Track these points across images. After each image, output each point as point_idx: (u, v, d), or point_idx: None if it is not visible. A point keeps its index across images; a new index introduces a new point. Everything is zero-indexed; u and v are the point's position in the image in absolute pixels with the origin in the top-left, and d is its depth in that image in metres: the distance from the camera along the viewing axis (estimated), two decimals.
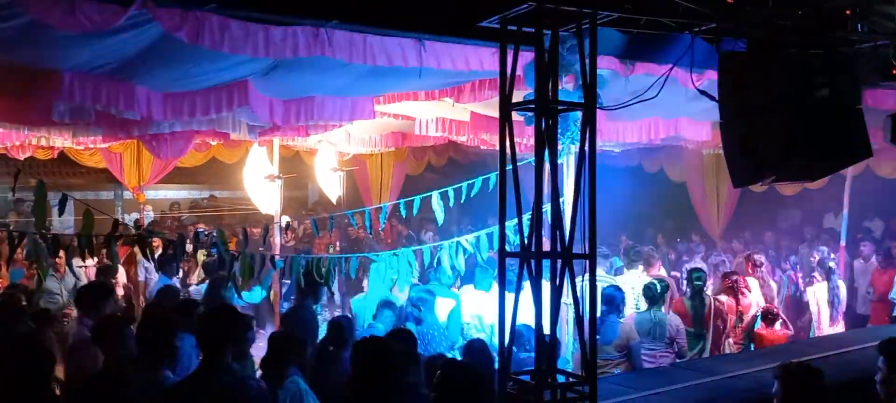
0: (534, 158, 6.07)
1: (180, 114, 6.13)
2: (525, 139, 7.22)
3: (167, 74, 5.68)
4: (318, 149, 10.48)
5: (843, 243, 10.63)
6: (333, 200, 10.88)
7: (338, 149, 10.54)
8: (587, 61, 3.65)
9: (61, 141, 8.59)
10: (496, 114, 7.69)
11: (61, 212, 4.35)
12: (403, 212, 7.23)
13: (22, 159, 9.41)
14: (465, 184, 7.00)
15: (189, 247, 6.71)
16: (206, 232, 8.11)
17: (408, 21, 5.32)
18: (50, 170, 13.18)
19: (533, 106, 3.70)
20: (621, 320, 6.47)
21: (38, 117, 6.46)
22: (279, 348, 4.49)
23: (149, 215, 13.09)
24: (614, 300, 6.43)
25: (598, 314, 6.31)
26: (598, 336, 6.07)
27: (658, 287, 6.95)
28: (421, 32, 5.51)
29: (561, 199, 3.90)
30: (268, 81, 6.07)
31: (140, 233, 4.53)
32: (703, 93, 4.13)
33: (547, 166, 3.80)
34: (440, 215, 6.90)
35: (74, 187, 13.52)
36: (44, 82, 5.52)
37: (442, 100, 7.43)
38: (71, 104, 5.68)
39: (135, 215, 12.87)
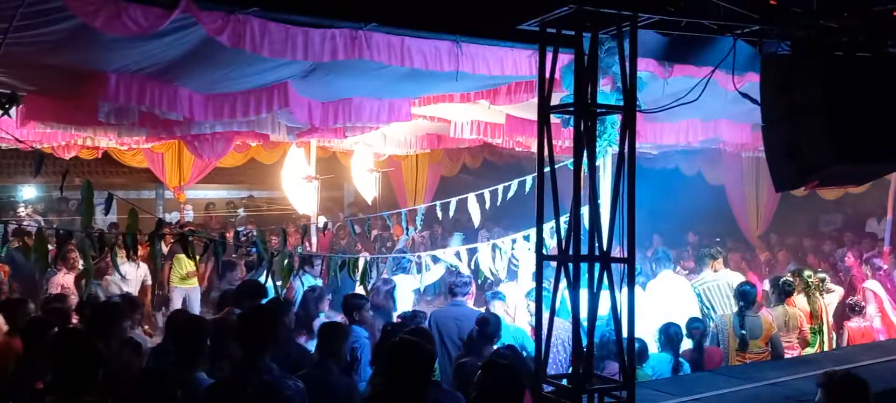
0: (570, 160, 6.06)
1: (221, 115, 6.24)
2: (561, 141, 7.19)
3: (209, 76, 5.78)
4: (354, 150, 10.57)
5: (887, 248, 10.38)
6: (369, 201, 10.95)
7: (374, 151, 10.62)
8: (627, 64, 3.62)
9: (106, 141, 8.79)
10: (532, 116, 7.76)
11: (107, 212, 4.46)
12: (439, 214, 7.25)
13: (67, 158, 9.64)
14: (501, 187, 6.99)
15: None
16: (246, 232, 8.24)
17: (445, 23, 5.33)
18: (94, 169, 13.50)
19: (572, 109, 3.65)
20: (759, 314, 6.79)
21: (85, 117, 6.61)
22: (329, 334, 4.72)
23: (189, 214, 13.34)
24: (748, 296, 6.71)
25: (733, 310, 6.80)
26: (744, 331, 6.41)
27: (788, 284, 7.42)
28: (458, 35, 5.53)
29: (598, 202, 3.87)
30: (307, 83, 6.14)
31: (182, 232, 4.61)
32: (744, 95, 4.06)
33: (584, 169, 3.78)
34: (476, 217, 6.90)
35: (117, 186, 13.82)
36: (90, 84, 5.67)
37: (477, 103, 7.44)
38: (116, 105, 5.80)
39: (176, 214, 13.12)
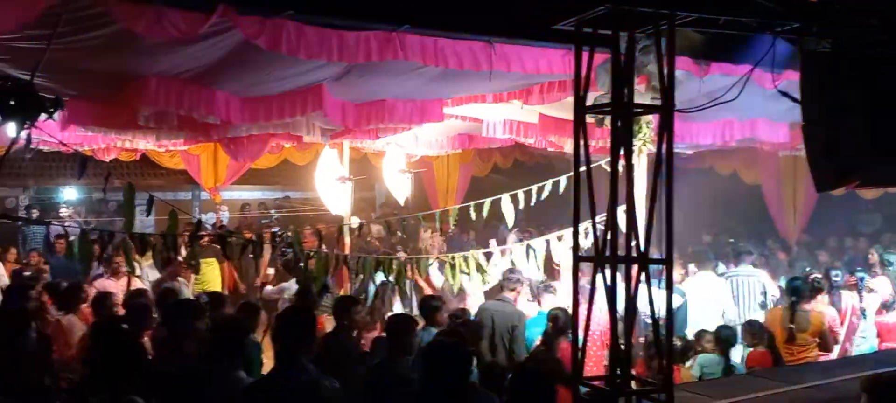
0: (604, 160, 6.01)
1: (257, 117, 6.32)
2: (594, 141, 7.14)
3: (246, 79, 5.86)
4: (385, 150, 10.61)
5: None
6: (401, 202, 10.98)
7: (405, 151, 10.65)
8: (664, 63, 3.58)
9: (144, 143, 8.93)
10: (565, 115, 7.73)
11: (148, 213, 4.55)
12: (473, 215, 7.25)
13: (107, 161, 9.82)
14: (534, 187, 6.96)
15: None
16: (280, 233, 8.29)
17: (479, 24, 5.33)
18: (133, 171, 13.76)
19: (608, 109, 3.63)
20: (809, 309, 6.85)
21: (125, 121, 6.74)
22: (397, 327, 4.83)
23: (224, 215, 13.51)
24: (800, 291, 6.84)
25: (786, 304, 6.86)
26: (792, 325, 6.49)
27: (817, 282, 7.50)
28: (492, 35, 5.53)
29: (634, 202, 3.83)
30: (341, 85, 6.19)
31: (220, 234, 4.68)
32: (784, 94, 4.00)
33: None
34: (510, 218, 6.88)
35: (155, 188, 14.02)
36: (130, 88, 5.78)
37: (510, 102, 7.42)
38: (155, 109, 5.90)
39: (211, 215, 13.31)
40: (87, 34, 4.67)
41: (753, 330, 6.57)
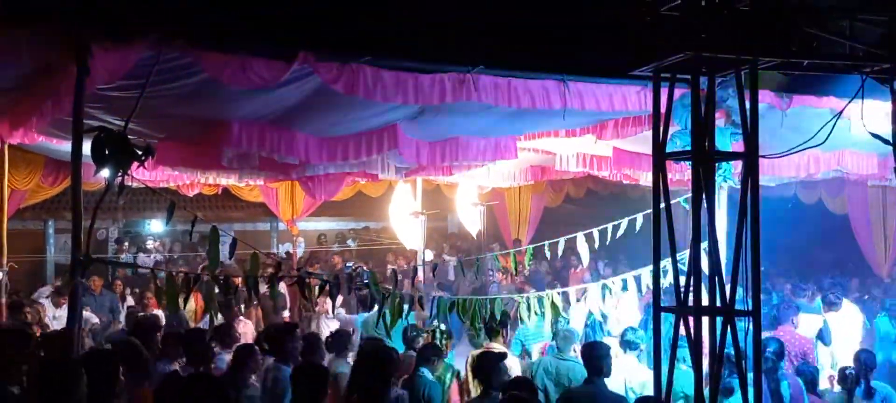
0: (682, 197, 5.87)
1: (335, 157, 6.47)
2: (672, 173, 6.98)
3: (324, 121, 6.01)
4: (458, 182, 10.67)
5: None
6: (473, 234, 11.01)
7: (478, 183, 10.68)
8: (746, 105, 3.49)
9: (227, 180, 9.26)
10: (640, 149, 7.60)
11: (231, 255, 4.68)
12: (548, 254, 7.18)
13: (191, 195, 10.23)
14: (610, 226, 6.85)
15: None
16: (354, 267, 8.44)
17: (553, 66, 5.32)
18: (214, 204, 14.27)
19: (689, 156, 3.55)
20: None
21: (210, 162, 7.00)
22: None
23: (301, 245, 13.83)
24: None
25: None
26: None
27: None
28: (565, 74, 5.51)
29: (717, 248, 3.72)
30: (415, 125, 6.27)
31: (300, 275, 4.79)
32: (876, 137, 3.84)
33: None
34: (585, 257, 6.79)
35: (235, 220, 14.54)
36: (215, 131, 6.02)
37: (583, 137, 7.36)
38: (238, 151, 6.11)
39: (288, 245, 13.65)
40: (176, 83, 4.89)
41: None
